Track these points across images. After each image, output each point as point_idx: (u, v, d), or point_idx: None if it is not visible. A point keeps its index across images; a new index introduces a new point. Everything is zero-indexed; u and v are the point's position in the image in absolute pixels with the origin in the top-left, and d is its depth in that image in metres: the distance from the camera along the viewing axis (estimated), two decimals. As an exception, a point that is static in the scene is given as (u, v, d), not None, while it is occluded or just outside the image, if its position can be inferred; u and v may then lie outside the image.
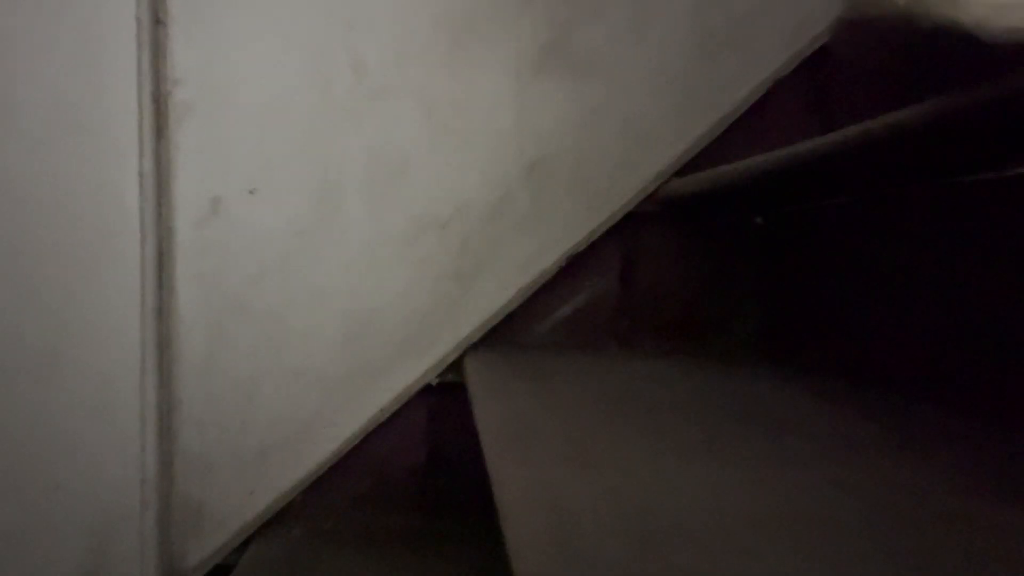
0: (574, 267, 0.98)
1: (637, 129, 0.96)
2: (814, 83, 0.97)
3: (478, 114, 0.95)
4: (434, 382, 0.97)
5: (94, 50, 0.89)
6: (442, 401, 0.97)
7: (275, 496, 0.94)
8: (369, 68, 0.93)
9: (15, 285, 0.89)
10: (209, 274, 0.93)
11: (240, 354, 0.94)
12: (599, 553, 0.32)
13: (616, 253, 0.99)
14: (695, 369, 0.84)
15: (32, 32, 0.88)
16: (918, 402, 0.62)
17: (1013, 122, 0.47)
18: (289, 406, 0.94)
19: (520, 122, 0.95)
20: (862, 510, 0.38)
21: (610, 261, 0.99)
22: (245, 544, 0.94)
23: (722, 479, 0.43)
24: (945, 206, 0.65)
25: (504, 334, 0.97)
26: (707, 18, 0.96)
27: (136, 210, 0.90)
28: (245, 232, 0.93)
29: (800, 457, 0.48)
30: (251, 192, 0.93)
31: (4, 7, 0.87)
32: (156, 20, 0.90)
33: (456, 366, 0.96)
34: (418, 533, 0.94)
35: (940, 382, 0.63)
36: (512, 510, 0.38)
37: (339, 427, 0.95)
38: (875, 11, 0.44)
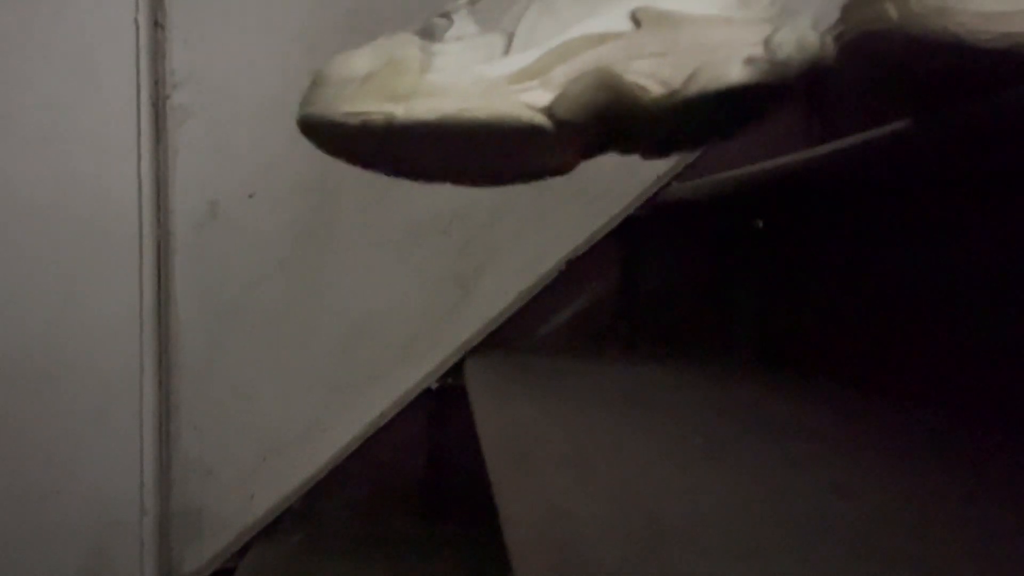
0: (574, 271, 0.97)
1: (637, 132, 0.96)
2: (816, 87, 0.97)
3: (478, 117, 0.94)
4: (434, 386, 0.96)
5: (92, 53, 0.89)
6: (442, 405, 0.97)
7: (274, 501, 0.94)
8: (368, 72, 0.93)
9: (13, 289, 0.89)
10: (207, 278, 0.92)
11: (239, 358, 0.93)
12: (601, 558, 0.32)
13: (616, 257, 0.99)
14: (695, 373, 0.84)
15: (30, 35, 0.88)
16: (918, 407, 0.62)
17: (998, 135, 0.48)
18: (288, 411, 0.94)
19: (520, 125, 0.95)
20: (863, 515, 0.38)
21: (610, 265, 0.99)
22: (244, 549, 0.94)
23: (723, 483, 0.43)
24: (946, 212, 0.65)
25: (504, 338, 0.97)
26: (706, 21, 0.96)
27: (135, 214, 0.90)
28: (244, 236, 0.93)
29: (801, 461, 0.47)
30: (250, 196, 0.92)
31: (2, 10, 0.87)
32: (155, 23, 0.90)
33: (456, 370, 0.96)
34: (418, 538, 0.94)
35: (941, 387, 0.62)
36: (513, 515, 0.37)
37: (339, 431, 0.95)
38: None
